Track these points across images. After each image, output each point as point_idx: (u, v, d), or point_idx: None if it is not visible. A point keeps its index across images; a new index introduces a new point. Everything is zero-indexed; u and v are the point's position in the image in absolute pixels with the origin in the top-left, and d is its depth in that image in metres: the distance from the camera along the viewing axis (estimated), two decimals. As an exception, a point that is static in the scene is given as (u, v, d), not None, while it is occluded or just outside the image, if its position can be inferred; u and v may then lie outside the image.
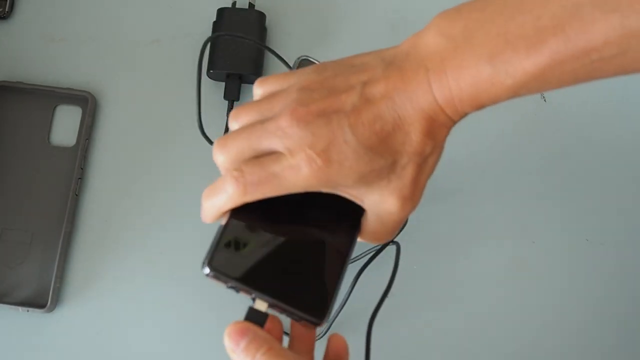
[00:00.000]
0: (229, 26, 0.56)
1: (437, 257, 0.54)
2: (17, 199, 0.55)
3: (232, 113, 0.40)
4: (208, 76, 0.57)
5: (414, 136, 0.36)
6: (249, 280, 0.38)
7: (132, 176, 0.56)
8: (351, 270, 0.50)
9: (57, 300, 0.54)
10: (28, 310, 0.53)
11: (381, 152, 0.36)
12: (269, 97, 0.39)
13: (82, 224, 0.55)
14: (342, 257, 0.40)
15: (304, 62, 0.47)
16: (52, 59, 0.58)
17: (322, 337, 0.51)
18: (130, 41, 0.58)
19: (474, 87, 0.35)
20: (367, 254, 0.50)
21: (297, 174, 0.36)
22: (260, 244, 0.39)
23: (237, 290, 0.38)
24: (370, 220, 0.39)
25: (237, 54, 0.56)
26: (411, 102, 0.36)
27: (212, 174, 0.55)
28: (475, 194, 0.55)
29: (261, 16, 0.57)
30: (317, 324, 0.38)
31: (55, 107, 0.57)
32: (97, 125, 0.57)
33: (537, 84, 0.34)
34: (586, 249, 0.54)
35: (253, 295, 0.38)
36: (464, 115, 0.37)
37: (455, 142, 0.56)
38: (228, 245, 0.39)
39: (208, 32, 0.58)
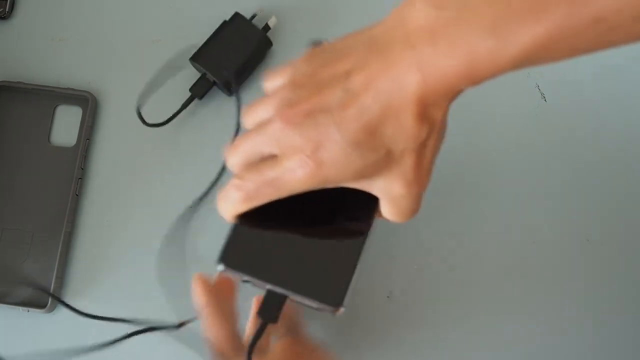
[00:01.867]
0: (233, 33, 0.55)
1: (436, 258, 0.54)
2: (17, 199, 0.55)
3: (244, 110, 0.40)
4: (190, 62, 0.56)
5: (405, 122, 0.35)
6: (262, 273, 0.39)
7: (133, 176, 0.56)
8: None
9: (57, 301, 0.54)
10: (28, 311, 0.53)
11: (372, 146, 0.35)
12: (271, 96, 0.39)
13: (83, 224, 0.55)
14: (360, 241, 0.40)
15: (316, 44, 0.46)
16: (52, 59, 0.58)
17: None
18: (130, 41, 0.58)
19: (471, 62, 0.32)
20: None
21: (293, 178, 0.37)
22: (273, 237, 0.40)
23: (252, 283, 0.39)
24: (385, 204, 0.39)
25: (222, 61, 0.55)
26: (398, 87, 0.34)
27: (211, 174, 0.55)
28: (475, 194, 0.55)
29: (267, 42, 0.56)
30: (334, 310, 0.38)
31: (55, 107, 0.57)
32: (97, 126, 0.57)
33: (542, 55, 0.32)
34: (586, 249, 0.54)
35: (267, 287, 0.39)
36: (460, 92, 0.35)
37: (456, 142, 0.56)
38: (240, 240, 0.40)
39: (208, 33, 0.58)
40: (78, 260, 0.55)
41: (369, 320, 0.53)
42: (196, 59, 0.56)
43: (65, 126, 0.57)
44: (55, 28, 0.59)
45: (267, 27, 0.57)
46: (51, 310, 0.53)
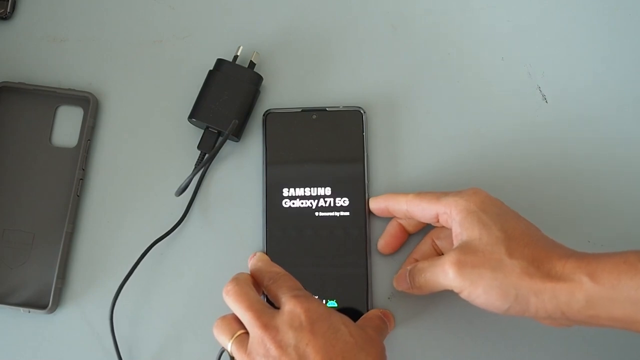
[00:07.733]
0: (223, 80, 0.55)
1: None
2: (18, 200, 0.55)
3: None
4: (189, 121, 0.56)
5: None
6: None
7: (134, 177, 0.56)
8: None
9: (58, 301, 0.54)
10: (29, 311, 0.53)
11: None
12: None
13: (84, 225, 0.55)
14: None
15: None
16: (53, 59, 0.58)
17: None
18: (131, 42, 0.58)
19: None
20: None
21: None
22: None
23: None
24: None
25: (221, 110, 0.54)
26: None
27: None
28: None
29: (258, 78, 0.55)
30: None
31: (57, 107, 0.57)
32: (98, 126, 0.57)
33: None
34: (587, 250, 0.54)
35: None
36: None
37: (457, 143, 0.56)
38: None
39: (209, 33, 0.58)
40: (79, 260, 0.55)
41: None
42: (196, 115, 0.54)
43: (66, 127, 0.57)
44: (56, 29, 0.59)
45: (252, 64, 0.56)
46: (52, 311, 0.54)
